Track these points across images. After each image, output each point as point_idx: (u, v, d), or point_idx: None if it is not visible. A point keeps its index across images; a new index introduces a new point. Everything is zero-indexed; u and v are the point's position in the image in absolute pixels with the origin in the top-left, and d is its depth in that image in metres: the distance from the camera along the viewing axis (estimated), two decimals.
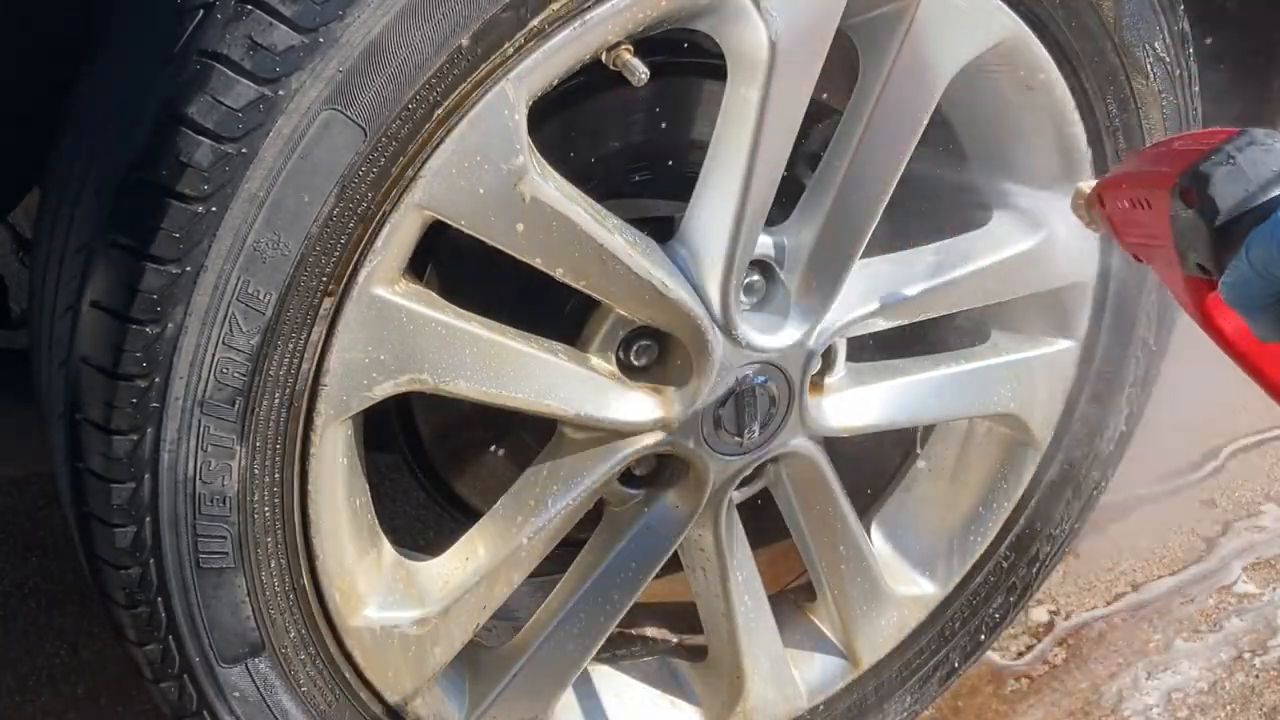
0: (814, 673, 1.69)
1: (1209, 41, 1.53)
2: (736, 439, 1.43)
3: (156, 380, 1.12)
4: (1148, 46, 1.43)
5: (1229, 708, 1.92)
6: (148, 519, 1.17)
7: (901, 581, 1.70)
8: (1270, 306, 0.92)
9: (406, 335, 1.21)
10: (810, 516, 1.59)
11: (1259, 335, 0.96)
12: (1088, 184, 1.19)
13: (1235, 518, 2.27)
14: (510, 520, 1.39)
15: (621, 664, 1.67)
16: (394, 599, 1.35)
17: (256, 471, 1.20)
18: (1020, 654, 1.98)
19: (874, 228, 1.40)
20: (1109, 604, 2.09)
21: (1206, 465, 2.38)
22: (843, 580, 1.65)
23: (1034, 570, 1.76)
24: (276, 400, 1.17)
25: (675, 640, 1.72)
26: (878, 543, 1.70)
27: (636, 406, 1.38)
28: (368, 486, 1.33)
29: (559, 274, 1.26)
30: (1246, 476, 2.36)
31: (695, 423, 1.40)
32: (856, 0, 1.27)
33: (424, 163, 1.14)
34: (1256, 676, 1.97)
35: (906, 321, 1.50)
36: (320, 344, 1.17)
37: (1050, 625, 2.03)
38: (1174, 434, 2.42)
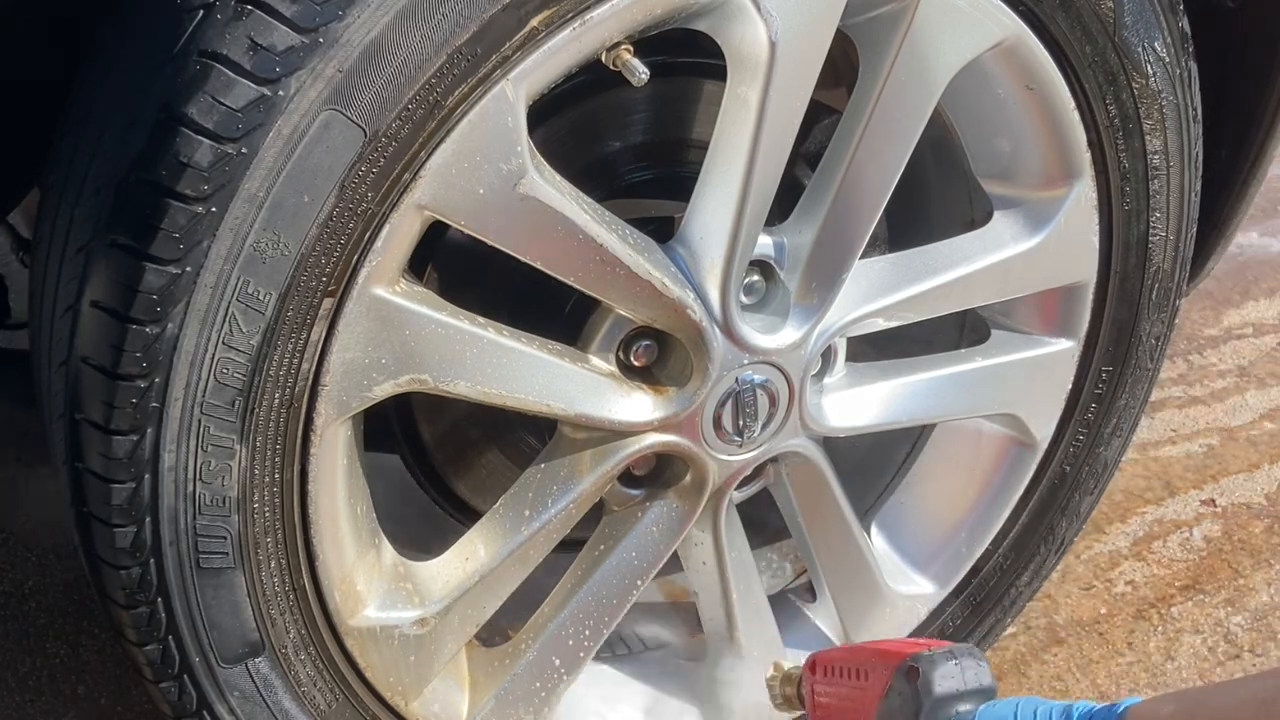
0: None
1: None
2: (736, 439, 1.43)
3: (156, 380, 1.12)
4: (1148, 46, 1.43)
5: None
6: (148, 519, 1.17)
7: (901, 581, 1.70)
8: None
9: (406, 335, 1.21)
10: (810, 516, 1.59)
11: None
12: (786, 661, 1.37)
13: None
14: (510, 520, 1.39)
15: (622, 664, 1.67)
16: (394, 599, 1.35)
17: (256, 472, 1.19)
18: (1020, 654, 1.98)
19: (874, 227, 1.40)
20: (1108, 604, 2.09)
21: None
22: (842, 580, 1.65)
23: (1034, 570, 1.76)
24: (276, 400, 1.17)
25: (675, 640, 1.72)
26: (877, 543, 1.71)
27: (636, 406, 1.38)
28: (367, 487, 1.33)
29: (559, 274, 1.26)
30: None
31: (695, 423, 1.40)
32: (856, 0, 1.28)
33: (424, 163, 1.14)
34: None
35: (907, 321, 1.50)
36: (320, 344, 1.17)
37: (1050, 625, 2.03)
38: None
